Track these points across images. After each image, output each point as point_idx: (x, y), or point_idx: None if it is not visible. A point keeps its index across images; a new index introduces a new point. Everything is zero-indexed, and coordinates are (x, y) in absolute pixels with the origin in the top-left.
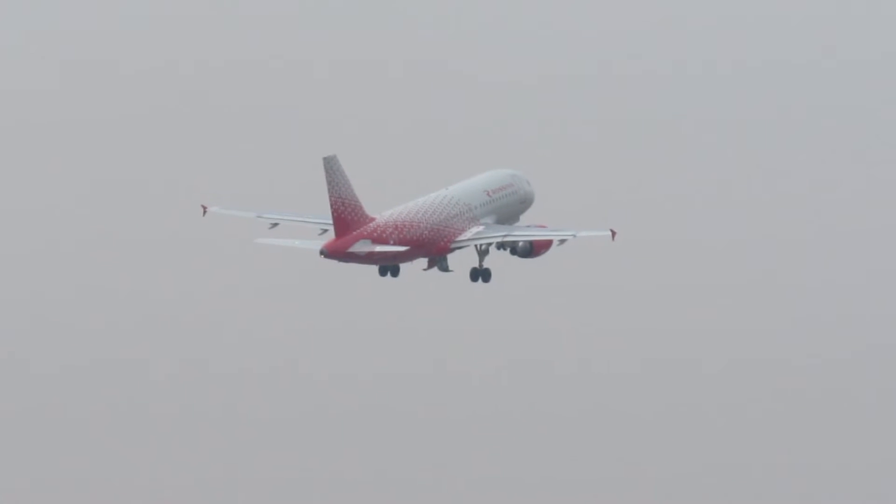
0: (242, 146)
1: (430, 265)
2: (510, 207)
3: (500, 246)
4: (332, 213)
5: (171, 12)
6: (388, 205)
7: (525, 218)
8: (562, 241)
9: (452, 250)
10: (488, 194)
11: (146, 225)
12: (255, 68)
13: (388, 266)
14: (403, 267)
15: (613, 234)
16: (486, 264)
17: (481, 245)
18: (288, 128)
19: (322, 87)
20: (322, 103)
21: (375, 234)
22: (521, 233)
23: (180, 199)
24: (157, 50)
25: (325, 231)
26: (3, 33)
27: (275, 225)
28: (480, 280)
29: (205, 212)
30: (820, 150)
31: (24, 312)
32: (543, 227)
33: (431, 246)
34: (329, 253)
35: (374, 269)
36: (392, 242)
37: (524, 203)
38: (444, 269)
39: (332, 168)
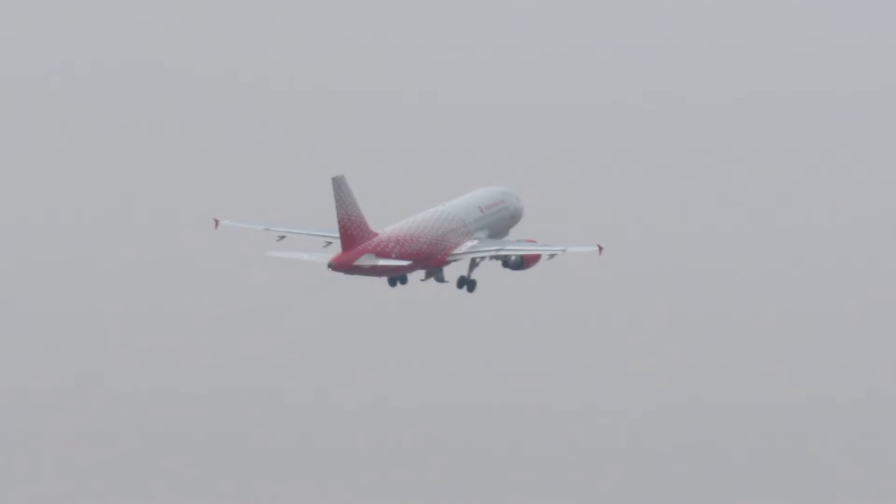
0: (249, 163)
1: (427, 276)
2: (501, 222)
3: (494, 258)
4: (340, 229)
5: (187, 24)
6: (387, 220)
7: (514, 232)
8: (551, 256)
9: (449, 263)
10: (481, 210)
11: (159, 237)
12: (264, 88)
13: (396, 276)
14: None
15: (600, 249)
16: (474, 275)
17: (477, 259)
18: (291, 147)
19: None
20: (322, 125)
21: (379, 249)
22: (514, 247)
23: (193, 212)
24: (170, 62)
25: (330, 243)
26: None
27: (282, 237)
28: (465, 288)
29: (217, 224)
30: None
31: (32, 326)
32: (533, 241)
33: (430, 259)
34: (336, 266)
35: (384, 280)
36: (394, 256)
37: (514, 218)
38: (441, 279)
39: (339, 187)
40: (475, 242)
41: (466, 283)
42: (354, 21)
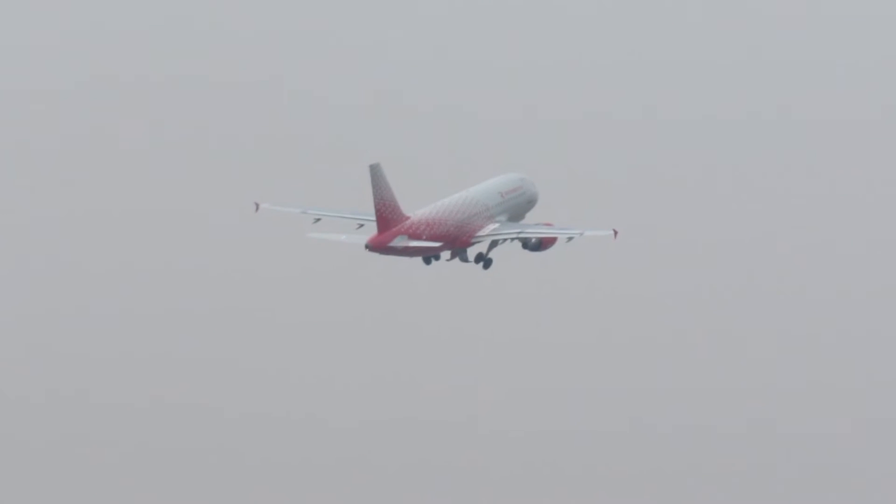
0: (285, 148)
1: (453, 256)
2: (519, 207)
3: (515, 239)
4: (376, 213)
5: (219, 19)
6: (417, 205)
7: (530, 216)
8: (569, 239)
9: (473, 244)
10: (502, 195)
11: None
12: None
13: (429, 256)
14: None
15: (616, 233)
16: (491, 255)
17: (499, 240)
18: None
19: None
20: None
21: (411, 231)
22: (534, 230)
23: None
24: (208, 56)
25: (362, 225)
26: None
27: (318, 220)
28: (482, 265)
29: (257, 208)
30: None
31: (74, 306)
32: (550, 224)
33: (456, 240)
34: (373, 247)
35: (419, 259)
36: (424, 238)
37: (530, 203)
38: (465, 259)
39: (376, 174)
40: (497, 225)
41: (483, 260)
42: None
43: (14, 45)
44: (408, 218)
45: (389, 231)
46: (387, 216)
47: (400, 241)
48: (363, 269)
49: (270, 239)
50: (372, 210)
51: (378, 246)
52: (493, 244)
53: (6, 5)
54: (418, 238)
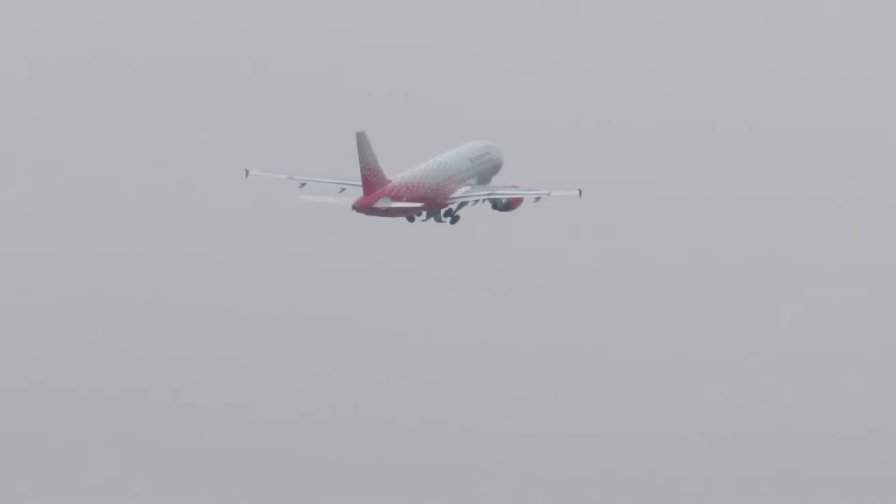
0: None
1: (427, 217)
2: (487, 171)
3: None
4: (361, 177)
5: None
6: (396, 169)
7: (496, 179)
8: (537, 199)
9: (447, 205)
10: (472, 161)
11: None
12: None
13: (408, 216)
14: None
15: (580, 192)
16: (459, 213)
17: (473, 201)
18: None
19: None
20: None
21: (393, 193)
22: (503, 191)
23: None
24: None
25: (344, 189)
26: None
27: (303, 184)
28: (449, 220)
29: (247, 174)
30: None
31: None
32: (516, 186)
33: (433, 202)
34: (359, 208)
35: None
36: (405, 199)
37: (496, 168)
38: (438, 219)
39: (361, 141)
40: (468, 188)
41: (451, 216)
42: None
43: None
44: (389, 181)
45: (374, 193)
46: (371, 180)
47: (383, 203)
48: (349, 227)
49: (261, 202)
50: (352, 175)
51: (364, 207)
52: (463, 203)
53: None
54: (399, 200)
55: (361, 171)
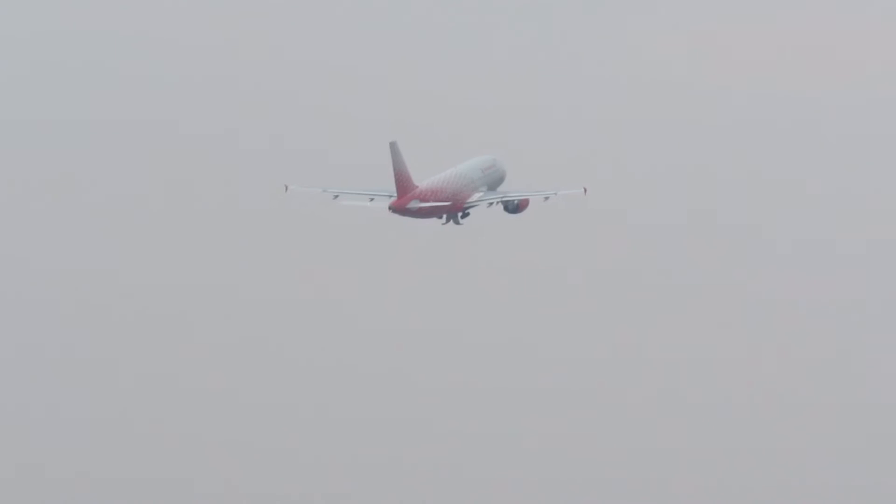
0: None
1: (447, 220)
2: (495, 181)
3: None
4: (395, 182)
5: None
6: (420, 177)
7: (500, 188)
8: (546, 198)
9: (464, 209)
10: (482, 171)
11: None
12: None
13: (435, 216)
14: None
15: (585, 190)
16: (470, 213)
17: (488, 204)
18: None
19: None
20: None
21: (422, 197)
22: (514, 194)
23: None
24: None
25: (373, 199)
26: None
27: (336, 196)
28: (460, 215)
29: (287, 189)
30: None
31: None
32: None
33: (453, 206)
34: (395, 209)
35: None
36: (431, 202)
37: (502, 179)
38: (457, 222)
39: (395, 150)
40: (481, 194)
41: (463, 213)
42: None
43: None
44: (417, 186)
45: (406, 196)
46: (404, 185)
47: (414, 204)
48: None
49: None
50: (377, 185)
51: (399, 208)
52: (472, 205)
53: None
54: (427, 202)
55: (395, 177)
